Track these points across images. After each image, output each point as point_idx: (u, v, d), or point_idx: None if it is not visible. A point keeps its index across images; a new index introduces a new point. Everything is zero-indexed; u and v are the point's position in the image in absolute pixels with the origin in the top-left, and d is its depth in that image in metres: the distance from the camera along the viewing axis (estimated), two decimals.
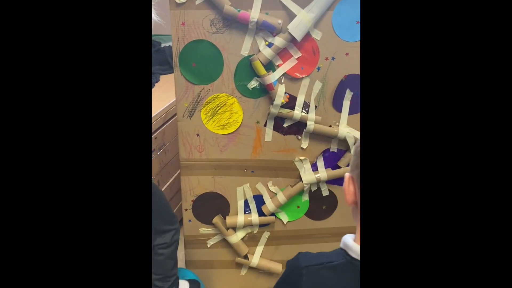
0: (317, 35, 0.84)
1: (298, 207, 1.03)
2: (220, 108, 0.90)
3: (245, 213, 1.02)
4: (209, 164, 0.96)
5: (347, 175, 0.49)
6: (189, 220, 1.03)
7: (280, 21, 0.80)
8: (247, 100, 0.89)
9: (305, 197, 1.01)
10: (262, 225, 1.04)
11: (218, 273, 1.12)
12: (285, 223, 1.04)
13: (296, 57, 0.85)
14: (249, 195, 1.00)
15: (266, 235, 1.06)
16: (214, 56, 0.85)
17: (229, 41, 0.83)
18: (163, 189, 1.23)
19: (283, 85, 0.87)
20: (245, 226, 1.02)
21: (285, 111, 0.89)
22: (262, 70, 0.84)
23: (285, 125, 0.92)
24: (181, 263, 1.22)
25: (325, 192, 1.01)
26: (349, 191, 0.48)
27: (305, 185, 0.97)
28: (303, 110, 0.90)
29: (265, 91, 0.88)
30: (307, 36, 0.83)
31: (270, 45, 0.83)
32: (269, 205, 1.00)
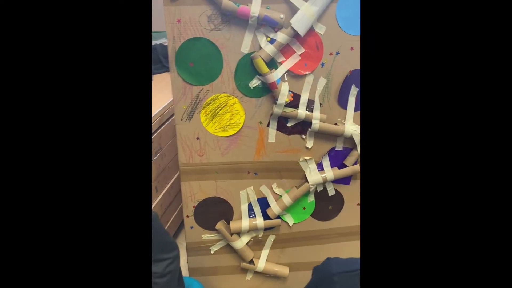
0: (320, 29, 0.79)
1: (304, 208, 1.00)
2: (221, 109, 0.86)
3: (249, 217, 0.98)
4: (210, 168, 0.92)
5: None
6: (191, 227, 0.99)
7: (282, 16, 0.76)
8: (248, 100, 0.85)
9: (311, 198, 0.98)
10: (267, 229, 1.01)
11: (223, 279, 1.08)
12: (291, 225, 1.01)
13: (299, 53, 0.81)
14: (253, 198, 0.96)
15: (271, 238, 1.03)
16: (212, 54, 0.80)
17: (228, 38, 0.79)
18: (161, 195, 1.18)
19: (287, 83, 0.83)
20: (250, 230, 0.99)
21: (289, 110, 0.85)
22: (264, 68, 0.79)
23: (288, 124, 0.88)
24: (184, 271, 1.19)
25: (331, 192, 0.98)
26: None
27: (311, 186, 0.93)
28: (307, 109, 0.86)
29: (268, 90, 0.84)
30: (310, 30, 0.79)
31: (272, 41, 0.78)
32: (274, 208, 0.96)
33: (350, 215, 1.02)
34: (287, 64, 0.82)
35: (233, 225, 0.97)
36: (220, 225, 0.98)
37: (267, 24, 0.77)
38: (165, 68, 1.46)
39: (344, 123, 0.89)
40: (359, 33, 0.80)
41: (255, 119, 0.87)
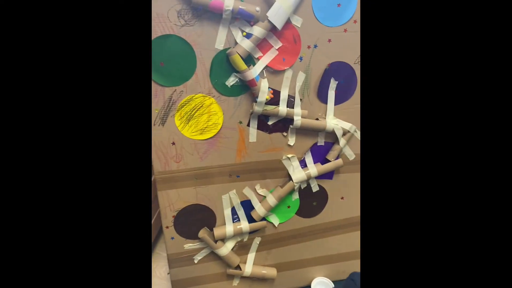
0: (297, 21, 0.76)
1: (289, 207, 0.97)
2: (197, 110, 0.80)
3: (233, 221, 0.94)
4: (188, 175, 0.86)
5: None
6: (172, 238, 0.93)
7: (258, 8, 0.71)
8: (226, 99, 0.80)
9: (295, 196, 0.95)
10: (252, 232, 0.97)
11: None
12: (276, 225, 0.98)
13: (276, 48, 0.77)
14: (236, 202, 0.92)
15: (257, 241, 0.99)
16: (184, 52, 0.74)
17: (200, 34, 0.73)
18: None
19: (266, 79, 0.79)
20: (234, 235, 0.94)
21: (270, 107, 0.81)
22: (242, 64, 0.75)
23: (269, 122, 0.84)
24: (166, 284, 1.12)
25: (315, 188, 0.96)
26: None
27: (295, 184, 0.90)
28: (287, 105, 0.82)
29: (246, 87, 0.79)
30: (287, 23, 0.75)
31: (248, 35, 0.73)
32: (259, 210, 0.92)
33: (334, 209, 1.01)
34: (265, 60, 0.77)
35: (217, 231, 0.92)
36: (203, 233, 0.92)
37: (242, 18, 0.72)
38: None
39: (325, 118, 0.87)
40: (336, 24, 0.78)
41: (234, 119, 0.82)
